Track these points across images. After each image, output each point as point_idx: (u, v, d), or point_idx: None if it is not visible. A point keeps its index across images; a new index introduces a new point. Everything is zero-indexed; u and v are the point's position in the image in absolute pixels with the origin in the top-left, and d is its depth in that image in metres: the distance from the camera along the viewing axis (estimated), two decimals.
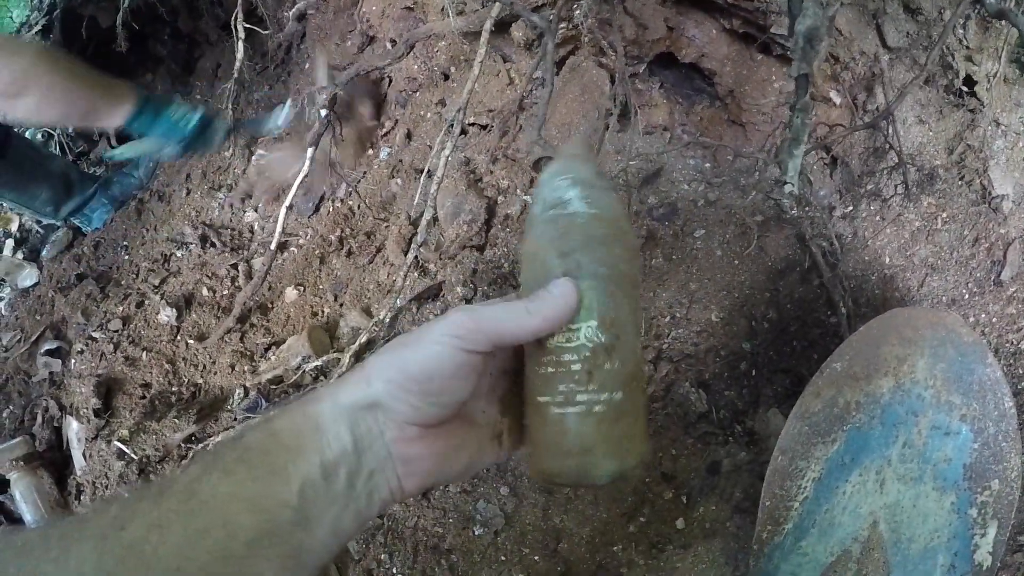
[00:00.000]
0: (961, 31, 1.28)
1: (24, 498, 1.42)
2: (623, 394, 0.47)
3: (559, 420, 0.46)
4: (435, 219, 1.41)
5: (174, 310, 1.62)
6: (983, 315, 1.24)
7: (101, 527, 0.40)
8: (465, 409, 0.49)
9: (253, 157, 1.86)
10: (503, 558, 1.13)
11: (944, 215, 1.30)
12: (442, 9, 1.44)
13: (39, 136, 2.54)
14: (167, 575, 0.39)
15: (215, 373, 1.51)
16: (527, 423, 0.50)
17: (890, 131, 1.25)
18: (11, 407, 1.64)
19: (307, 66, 2.08)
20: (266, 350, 1.51)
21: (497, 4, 1.18)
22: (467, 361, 0.45)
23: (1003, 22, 1.22)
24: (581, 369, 0.46)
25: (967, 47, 1.29)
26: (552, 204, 0.49)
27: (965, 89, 1.31)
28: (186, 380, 1.52)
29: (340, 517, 0.44)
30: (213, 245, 1.81)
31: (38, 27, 2.39)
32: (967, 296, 1.26)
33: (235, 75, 1.69)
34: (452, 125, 1.19)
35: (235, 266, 1.73)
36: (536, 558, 1.12)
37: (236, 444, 0.44)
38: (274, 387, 1.41)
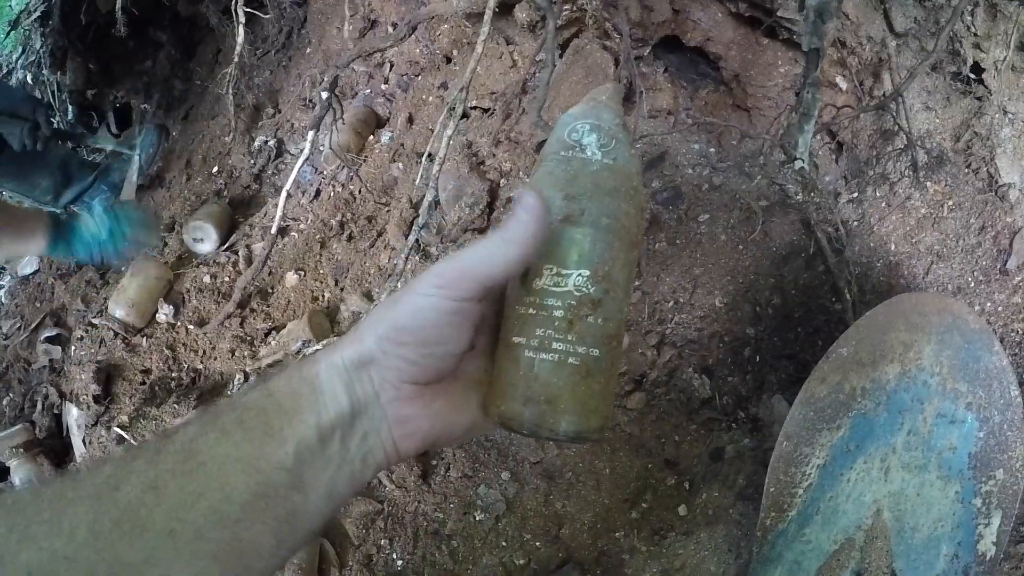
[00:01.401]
0: (969, 17, 1.26)
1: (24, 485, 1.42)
2: (600, 352, 0.45)
3: (529, 364, 0.45)
4: (436, 202, 1.40)
5: (171, 307, 1.61)
6: (988, 304, 1.23)
7: (95, 487, 0.39)
8: (463, 367, 0.48)
9: None
10: (504, 544, 1.12)
11: (950, 202, 1.29)
12: None
13: None
14: (161, 538, 0.38)
15: (215, 358, 1.50)
16: (496, 362, 0.47)
17: (898, 112, 1.23)
18: (11, 394, 1.64)
19: (308, 51, 2.07)
20: (266, 335, 1.50)
21: None
22: (458, 309, 0.43)
23: (1012, 8, 1.20)
24: (563, 317, 0.44)
25: (975, 34, 1.27)
26: (568, 145, 0.47)
27: (972, 76, 1.29)
28: (186, 366, 1.51)
29: (335, 480, 0.44)
30: None
31: (37, 13, 2.38)
32: (973, 284, 1.25)
33: (235, 60, 1.68)
34: (454, 107, 1.18)
35: (235, 251, 1.72)
36: (537, 544, 1.12)
37: (234, 405, 0.43)
38: (274, 372, 1.40)
